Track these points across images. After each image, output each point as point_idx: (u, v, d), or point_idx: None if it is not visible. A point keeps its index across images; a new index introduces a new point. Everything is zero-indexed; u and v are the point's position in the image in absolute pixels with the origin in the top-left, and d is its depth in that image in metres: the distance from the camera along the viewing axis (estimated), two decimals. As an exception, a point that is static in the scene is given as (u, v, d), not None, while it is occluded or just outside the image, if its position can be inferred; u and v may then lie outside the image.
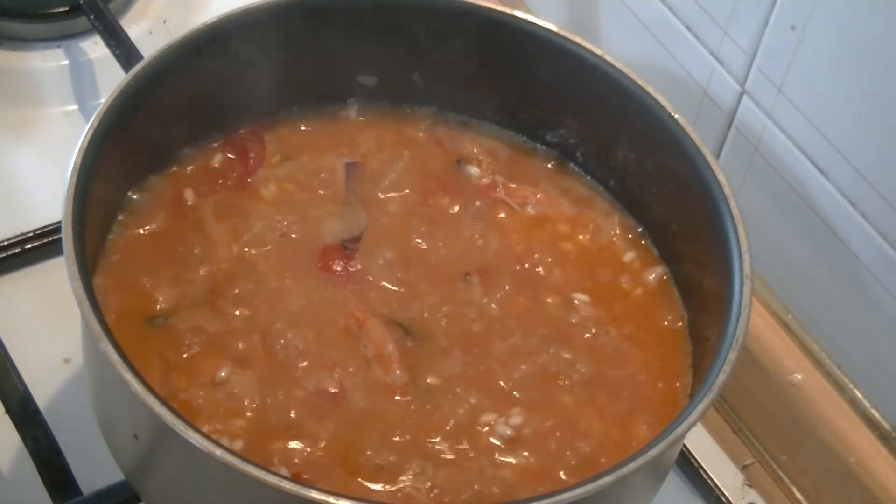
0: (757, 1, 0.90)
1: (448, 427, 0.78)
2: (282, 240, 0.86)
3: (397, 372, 0.79)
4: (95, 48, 1.10)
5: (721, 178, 0.81)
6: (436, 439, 0.77)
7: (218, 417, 0.76)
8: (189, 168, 0.88)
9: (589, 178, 0.92)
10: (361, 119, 0.93)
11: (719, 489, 0.92)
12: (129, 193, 0.85)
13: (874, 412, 0.92)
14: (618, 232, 0.90)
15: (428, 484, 0.75)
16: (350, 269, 0.85)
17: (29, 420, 0.86)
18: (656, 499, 0.79)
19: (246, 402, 0.77)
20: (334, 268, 0.85)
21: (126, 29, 1.07)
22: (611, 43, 0.89)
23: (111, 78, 0.97)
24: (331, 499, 0.64)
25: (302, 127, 0.92)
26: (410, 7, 0.89)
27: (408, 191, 0.90)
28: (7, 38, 1.10)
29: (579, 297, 0.86)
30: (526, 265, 0.87)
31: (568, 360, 0.82)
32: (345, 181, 0.89)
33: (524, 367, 0.82)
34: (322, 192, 0.89)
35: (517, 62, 0.90)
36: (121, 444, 0.77)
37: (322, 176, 0.90)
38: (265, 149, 0.90)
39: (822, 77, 0.87)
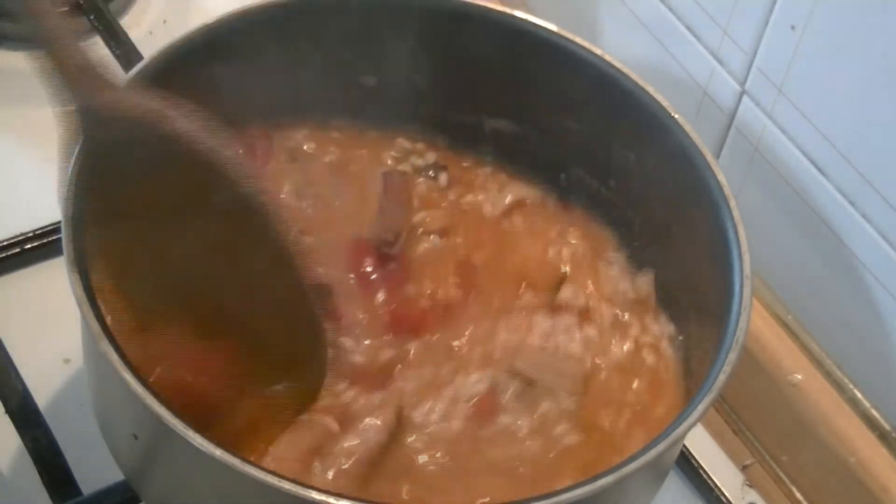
0: (757, 1, 0.90)
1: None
2: None
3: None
4: (95, 48, 1.09)
5: (721, 178, 0.81)
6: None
7: None
8: None
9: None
10: (364, 123, 0.94)
11: (719, 489, 0.92)
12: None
13: (874, 412, 0.92)
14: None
15: None
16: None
17: (29, 420, 0.86)
18: (656, 499, 0.79)
19: None
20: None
21: (126, 29, 1.07)
22: (611, 43, 0.89)
23: (111, 78, 0.97)
24: (331, 499, 0.64)
25: (307, 130, 0.92)
26: (410, 7, 0.89)
27: None
28: (7, 38, 1.10)
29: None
30: (524, 284, 0.87)
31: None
32: (382, 192, 0.89)
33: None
34: (333, 194, 0.89)
35: (517, 62, 0.90)
36: (121, 444, 0.77)
37: (335, 177, 0.90)
38: (273, 147, 0.90)
39: (822, 77, 0.87)
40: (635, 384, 0.83)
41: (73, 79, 0.67)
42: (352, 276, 0.85)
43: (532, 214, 0.91)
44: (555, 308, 0.86)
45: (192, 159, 0.68)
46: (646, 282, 0.88)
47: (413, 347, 0.82)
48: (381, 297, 0.84)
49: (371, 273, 0.85)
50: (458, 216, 0.90)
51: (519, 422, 0.79)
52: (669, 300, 0.87)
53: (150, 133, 0.68)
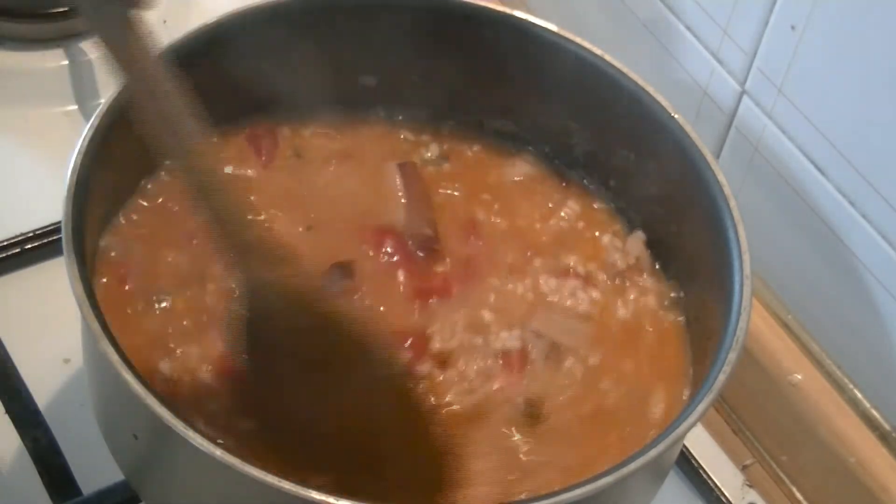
0: (757, 1, 0.90)
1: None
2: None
3: None
4: (95, 48, 1.10)
5: (721, 178, 0.81)
6: None
7: None
8: None
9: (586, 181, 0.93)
10: (365, 119, 0.93)
11: (719, 489, 0.92)
12: (131, 193, 0.85)
13: (874, 412, 0.92)
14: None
15: None
16: None
17: (29, 420, 0.86)
18: (656, 499, 0.79)
19: None
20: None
21: (126, 29, 1.07)
22: (611, 43, 0.89)
23: (111, 78, 0.97)
24: (330, 499, 0.64)
25: (311, 127, 0.92)
26: (410, 7, 0.89)
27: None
28: (7, 38, 1.10)
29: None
30: (529, 253, 0.88)
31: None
32: (402, 186, 0.89)
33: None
34: (341, 187, 0.90)
35: (517, 62, 0.90)
36: (121, 444, 0.77)
37: (342, 171, 0.90)
38: (278, 145, 0.90)
39: (822, 77, 0.87)
40: (645, 340, 0.85)
41: (242, 255, 0.72)
42: (375, 256, 0.86)
43: (533, 192, 0.92)
44: (561, 272, 0.87)
45: (342, 333, 0.74)
46: (636, 244, 0.89)
47: (440, 310, 0.84)
48: (402, 274, 0.85)
49: (393, 254, 0.86)
50: (465, 195, 0.91)
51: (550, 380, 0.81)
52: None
53: (307, 306, 0.73)
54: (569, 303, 0.86)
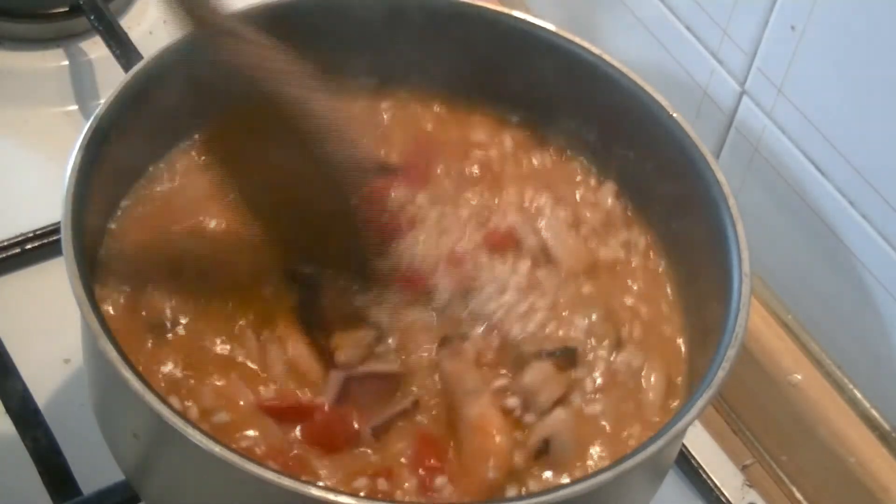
0: (757, 1, 0.90)
1: None
2: None
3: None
4: (95, 48, 1.10)
5: (721, 177, 0.81)
6: None
7: None
8: (192, 162, 0.88)
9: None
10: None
11: (719, 489, 0.92)
12: (130, 192, 0.85)
13: (874, 412, 0.92)
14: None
15: None
16: None
17: (29, 420, 0.86)
18: (656, 498, 0.79)
19: None
20: None
21: (126, 29, 1.07)
22: (611, 43, 0.89)
23: (111, 78, 0.97)
24: (329, 495, 0.64)
25: None
26: (409, 8, 0.89)
27: None
28: (7, 38, 1.10)
29: None
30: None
31: None
32: None
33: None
34: None
35: (517, 62, 0.90)
36: (121, 443, 0.77)
37: None
38: None
39: (822, 77, 0.87)
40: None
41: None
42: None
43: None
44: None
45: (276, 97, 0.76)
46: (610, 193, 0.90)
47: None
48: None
49: None
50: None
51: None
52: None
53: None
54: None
